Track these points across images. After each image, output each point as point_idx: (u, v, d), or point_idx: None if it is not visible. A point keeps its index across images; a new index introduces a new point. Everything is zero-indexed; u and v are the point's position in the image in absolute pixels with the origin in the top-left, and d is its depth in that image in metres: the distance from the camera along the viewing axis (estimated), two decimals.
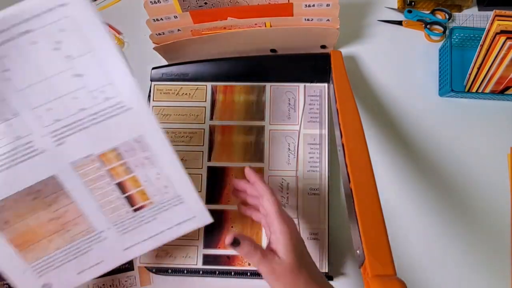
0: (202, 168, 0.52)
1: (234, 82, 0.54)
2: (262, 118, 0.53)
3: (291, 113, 0.53)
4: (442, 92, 0.55)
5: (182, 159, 0.52)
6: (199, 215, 0.39)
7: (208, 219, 0.40)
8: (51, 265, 0.38)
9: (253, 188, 0.41)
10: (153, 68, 0.56)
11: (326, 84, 0.53)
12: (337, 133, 0.44)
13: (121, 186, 0.37)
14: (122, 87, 0.33)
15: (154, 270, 0.51)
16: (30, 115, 0.33)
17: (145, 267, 0.51)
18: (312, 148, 0.52)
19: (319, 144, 0.52)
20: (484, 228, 0.52)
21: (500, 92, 0.52)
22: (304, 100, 0.53)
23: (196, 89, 0.54)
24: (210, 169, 0.52)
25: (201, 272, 0.50)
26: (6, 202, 0.34)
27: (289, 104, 0.53)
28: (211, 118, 0.54)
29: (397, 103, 0.56)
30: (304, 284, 0.35)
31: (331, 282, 0.49)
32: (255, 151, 0.52)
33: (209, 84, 0.54)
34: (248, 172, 0.41)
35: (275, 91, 0.54)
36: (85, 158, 0.35)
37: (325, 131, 0.52)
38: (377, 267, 0.33)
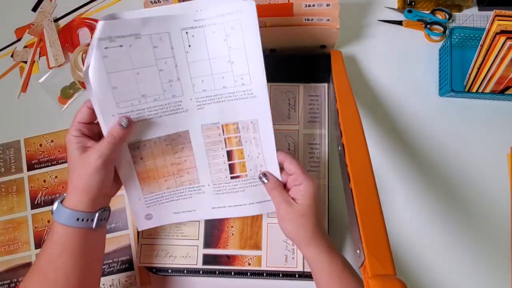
0: None
1: None
2: None
3: (291, 113, 0.53)
4: (442, 92, 0.55)
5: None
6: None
7: None
8: (159, 200, 0.46)
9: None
10: None
11: (326, 84, 0.53)
12: (337, 133, 0.44)
13: (229, 154, 0.45)
14: (255, 79, 0.42)
15: (154, 270, 0.51)
16: (188, 82, 0.42)
17: (145, 267, 0.51)
18: (312, 148, 0.52)
19: (319, 144, 0.52)
20: (484, 228, 0.52)
21: (500, 92, 0.52)
22: (304, 100, 0.53)
23: None
24: None
25: (201, 272, 0.50)
26: (147, 143, 0.43)
27: (289, 104, 0.53)
28: None
29: (397, 103, 0.56)
30: (312, 228, 0.40)
31: None
32: None
33: None
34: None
35: (275, 91, 0.54)
36: (213, 124, 0.44)
37: (325, 131, 0.52)
38: (377, 267, 0.33)
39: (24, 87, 0.61)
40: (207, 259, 0.50)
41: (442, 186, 0.53)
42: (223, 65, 0.41)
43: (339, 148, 0.43)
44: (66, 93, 0.60)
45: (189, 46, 0.41)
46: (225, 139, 0.45)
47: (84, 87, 0.60)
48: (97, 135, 0.41)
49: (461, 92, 0.52)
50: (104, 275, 0.53)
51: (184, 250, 0.50)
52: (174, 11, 0.39)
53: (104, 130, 0.40)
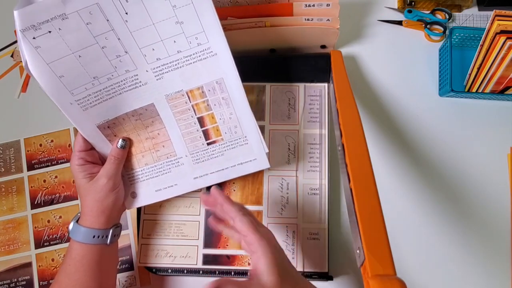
0: None
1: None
2: (262, 118, 0.53)
3: (291, 113, 0.53)
4: (442, 92, 0.55)
5: None
6: (259, 158, 0.44)
7: (266, 164, 0.44)
8: (139, 177, 0.46)
9: (221, 209, 0.41)
10: None
11: (326, 84, 0.53)
12: (337, 133, 0.44)
13: (200, 121, 0.44)
14: (212, 36, 0.39)
15: (154, 270, 0.51)
16: (137, 53, 0.39)
17: (145, 267, 0.51)
18: (312, 148, 0.52)
19: (319, 144, 0.52)
20: (484, 228, 0.52)
21: (500, 92, 0.52)
22: (304, 100, 0.53)
23: None
24: None
25: (201, 272, 0.50)
26: (116, 120, 0.42)
27: (289, 104, 0.53)
28: None
29: (397, 103, 0.56)
30: None
31: (331, 282, 0.49)
32: None
33: None
34: (215, 192, 0.41)
35: (275, 91, 0.54)
36: (177, 93, 0.42)
37: (325, 131, 0.52)
38: (377, 267, 0.33)
39: (24, 87, 0.61)
40: (207, 259, 0.50)
41: (442, 186, 0.53)
42: (171, 27, 0.38)
43: (339, 148, 0.43)
44: None
45: (126, 13, 0.36)
46: (192, 106, 0.43)
47: None
48: (99, 160, 0.44)
49: (461, 92, 0.52)
50: None
51: (184, 250, 0.50)
52: None
53: (72, 121, 0.40)
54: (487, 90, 0.51)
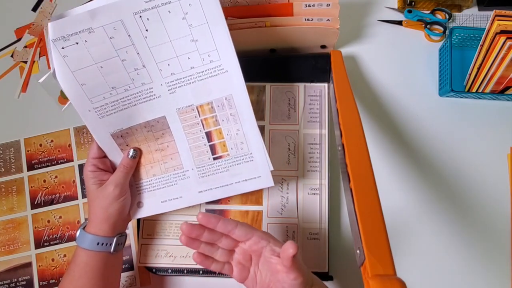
0: None
1: None
2: (262, 118, 0.53)
3: (291, 113, 0.53)
4: (442, 92, 0.55)
5: None
6: (264, 177, 0.44)
7: (270, 183, 0.44)
8: (147, 187, 0.46)
9: (214, 234, 0.39)
10: None
11: (326, 84, 0.53)
12: (337, 133, 0.44)
13: (208, 136, 0.45)
14: (223, 54, 0.41)
15: (154, 270, 0.51)
16: (154, 68, 0.41)
17: (145, 267, 0.51)
18: (312, 148, 0.52)
19: (319, 144, 0.52)
20: (484, 228, 0.52)
21: (500, 92, 0.52)
22: (304, 100, 0.53)
23: None
24: None
25: (201, 272, 0.50)
26: (129, 130, 0.44)
27: (289, 104, 0.53)
28: None
29: (397, 103, 0.56)
30: None
31: (331, 282, 0.49)
32: None
33: None
34: (204, 216, 0.39)
35: (275, 91, 0.54)
36: (187, 107, 0.43)
37: (325, 131, 0.52)
38: (377, 267, 0.33)
39: (24, 87, 0.61)
40: None
41: (442, 186, 0.53)
42: (187, 44, 0.40)
43: (339, 148, 0.43)
44: None
45: (146, 30, 0.39)
46: (201, 121, 0.44)
47: None
48: (110, 168, 0.46)
49: (461, 92, 0.52)
50: None
51: (184, 250, 0.50)
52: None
53: (88, 127, 0.43)
54: (487, 90, 0.51)
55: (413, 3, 0.59)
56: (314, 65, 0.54)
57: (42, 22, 0.62)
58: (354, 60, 0.58)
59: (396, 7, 0.60)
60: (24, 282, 0.54)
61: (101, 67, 0.40)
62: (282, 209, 0.50)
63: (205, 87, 0.42)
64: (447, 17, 0.58)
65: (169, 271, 0.50)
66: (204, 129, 0.44)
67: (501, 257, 0.51)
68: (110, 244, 0.43)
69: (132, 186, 0.46)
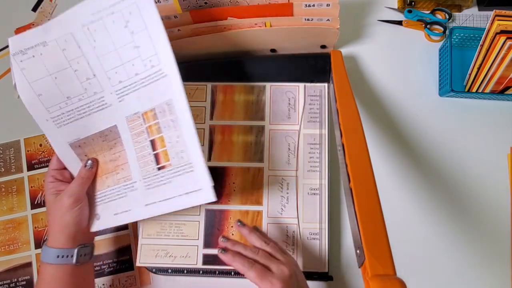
0: None
1: (234, 82, 0.54)
2: (262, 118, 0.53)
3: (291, 113, 0.53)
4: (442, 92, 0.55)
5: None
6: (204, 189, 0.41)
7: (211, 197, 0.41)
8: (103, 199, 0.46)
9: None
10: None
11: (326, 84, 0.53)
12: (337, 133, 0.44)
13: (152, 144, 0.43)
14: (163, 57, 0.41)
15: (154, 270, 0.51)
16: (103, 76, 0.42)
17: (145, 267, 0.51)
18: (312, 148, 0.52)
19: (319, 144, 0.52)
20: (484, 228, 0.52)
21: (500, 92, 0.52)
22: (304, 100, 0.53)
23: (196, 89, 0.54)
24: (210, 169, 0.52)
25: (201, 272, 0.50)
26: (86, 140, 0.45)
27: (289, 104, 0.53)
28: (211, 118, 0.54)
29: (397, 103, 0.56)
30: None
31: (331, 282, 0.49)
32: (255, 151, 0.52)
33: (209, 84, 0.54)
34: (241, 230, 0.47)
35: (275, 91, 0.54)
36: (134, 114, 0.43)
37: (325, 131, 0.52)
38: (377, 267, 0.33)
39: None
40: (207, 259, 0.50)
41: (442, 186, 0.53)
42: (130, 51, 0.41)
43: (339, 148, 0.43)
44: None
45: (94, 41, 0.41)
46: (147, 128, 0.43)
47: None
48: (69, 179, 0.45)
49: (461, 92, 0.52)
50: (104, 275, 0.53)
51: (184, 250, 0.50)
52: (70, 11, 0.42)
53: (47, 136, 0.44)
54: (487, 90, 0.51)
55: (413, 3, 0.59)
56: (314, 65, 0.54)
57: (42, 22, 0.62)
58: (354, 60, 0.58)
59: (396, 7, 0.60)
60: (24, 282, 0.54)
61: (56, 77, 0.42)
62: (282, 209, 0.50)
63: (148, 93, 0.42)
64: (447, 17, 0.58)
65: (169, 271, 0.50)
66: (149, 137, 0.43)
67: (501, 257, 0.51)
68: (71, 256, 0.42)
69: (91, 198, 0.46)
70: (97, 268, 0.53)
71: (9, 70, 0.63)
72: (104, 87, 0.43)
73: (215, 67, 0.55)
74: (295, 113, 0.53)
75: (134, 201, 0.44)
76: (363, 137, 0.41)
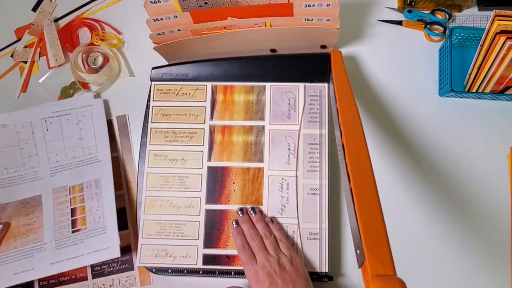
0: (202, 168, 0.52)
1: (234, 82, 0.54)
2: (262, 118, 0.53)
3: (291, 113, 0.53)
4: (442, 92, 0.55)
5: (182, 159, 0.52)
6: (112, 247, 0.50)
7: (117, 253, 0.49)
8: (5, 260, 0.50)
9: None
10: (153, 68, 0.56)
11: (326, 84, 0.53)
12: (337, 133, 0.44)
13: (72, 211, 0.52)
14: (100, 147, 0.53)
15: (154, 270, 0.51)
16: (45, 156, 0.53)
17: (145, 267, 0.51)
18: (312, 148, 0.52)
19: (319, 144, 0.52)
20: (484, 228, 0.52)
21: (500, 92, 0.52)
22: (304, 100, 0.53)
23: (196, 89, 0.54)
24: (210, 169, 0.52)
25: (201, 272, 0.50)
26: (5, 205, 0.52)
27: (289, 104, 0.53)
28: (211, 118, 0.54)
29: (397, 103, 0.56)
30: None
31: (331, 282, 0.49)
32: (255, 151, 0.52)
33: (209, 84, 0.54)
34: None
35: (275, 91, 0.54)
36: (62, 187, 0.52)
37: (325, 131, 0.52)
38: (377, 267, 0.33)
39: (24, 87, 0.61)
40: (207, 259, 0.50)
41: (442, 186, 0.53)
42: (75, 141, 0.53)
43: (339, 148, 0.43)
44: (66, 93, 0.60)
45: (47, 130, 0.53)
46: (70, 199, 0.52)
47: (84, 87, 0.60)
48: None
49: (461, 92, 0.52)
50: (104, 275, 0.53)
51: (184, 250, 0.50)
52: (37, 108, 0.54)
53: None
54: (487, 90, 0.51)
55: (413, 3, 0.59)
56: (314, 65, 0.54)
57: (42, 22, 0.62)
58: (354, 60, 0.58)
59: (396, 7, 0.60)
60: (24, 283, 0.54)
61: (1, 151, 0.52)
62: (282, 209, 0.50)
63: (81, 172, 0.52)
64: (447, 17, 0.58)
65: (169, 271, 0.50)
66: (70, 206, 0.52)
67: (501, 257, 0.51)
68: None
69: None
70: (97, 268, 0.53)
71: (9, 70, 0.63)
72: (41, 164, 0.52)
73: (215, 67, 0.55)
74: (295, 113, 0.53)
75: (39, 261, 0.50)
76: (363, 137, 0.41)
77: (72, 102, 0.56)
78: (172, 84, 0.55)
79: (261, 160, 0.52)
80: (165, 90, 0.55)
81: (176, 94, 0.54)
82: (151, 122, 0.54)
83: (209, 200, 0.51)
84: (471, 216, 0.52)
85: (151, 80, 0.56)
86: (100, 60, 0.60)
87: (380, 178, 0.38)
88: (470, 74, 0.52)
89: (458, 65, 0.55)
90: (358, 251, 0.36)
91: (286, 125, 0.53)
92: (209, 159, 0.52)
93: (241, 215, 0.49)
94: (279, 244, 0.47)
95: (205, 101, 0.54)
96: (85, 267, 0.53)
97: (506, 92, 0.52)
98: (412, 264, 0.51)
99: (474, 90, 0.52)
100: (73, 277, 0.53)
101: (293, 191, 0.51)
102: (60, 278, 0.53)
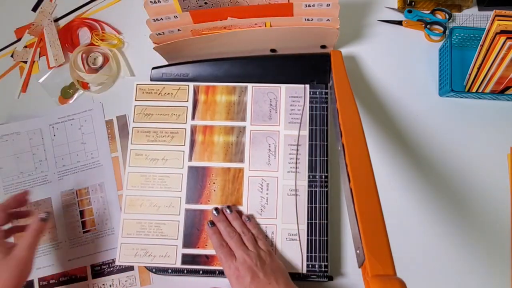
0: (183, 167, 0.52)
1: (234, 82, 0.54)
2: (244, 119, 0.53)
3: (272, 114, 0.53)
4: (442, 92, 0.55)
5: (163, 159, 0.52)
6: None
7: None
8: None
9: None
10: (153, 68, 0.56)
11: (307, 85, 0.53)
12: (337, 133, 0.44)
13: (81, 213, 0.55)
14: (102, 152, 0.57)
15: (154, 270, 0.51)
16: (52, 160, 0.57)
17: (145, 267, 0.51)
18: (292, 149, 0.51)
19: (299, 145, 0.51)
20: (484, 228, 0.52)
21: (500, 92, 0.52)
22: (286, 101, 0.53)
23: (179, 89, 0.54)
24: (191, 169, 0.52)
25: (201, 272, 0.50)
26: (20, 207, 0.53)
27: (271, 104, 0.53)
28: (193, 118, 0.53)
29: (397, 103, 0.56)
30: None
31: (331, 282, 0.49)
32: (236, 151, 0.52)
33: (191, 84, 0.54)
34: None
35: (257, 92, 0.53)
36: (69, 190, 0.56)
37: (306, 132, 0.52)
38: (377, 267, 0.33)
39: (24, 87, 0.61)
40: (186, 258, 0.49)
41: (442, 186, 0.53)
42: (78, 145, 0.57)
43: (339, 148, 0.43)
44: (66, 93, 0.60)
45: (54, 135, 0.57)
46: (78, 201, 0.55)
47: (84, 87, 0.60)
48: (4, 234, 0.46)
49: (461, 92, 0.52)
50: (104, 275, 0.53)
51: (163, 250, 0.50)
52: (45, 115, 0.58)
53: None
54: (487, 90, 0.51)
55: (413, 3, 0.59)
56: (314, 65, 0.54)
57: (42, 22, 0.62)
58: (354, 60, 0.58)
59: (396, 7, 0.60)
60: (24, 282, 0.54)
61: (18, 157, 0.57)
62: (261, 209, 0.50)
63: (85, 176, 0.56)
64: (447, 17, 0.58)
65: (169, 271, 0.50)
66: (79, 208, 0.55)
67: (501, 257, 0.51)
68: None
69: None
70: (97, 268, 0.53)
71: (9, 70, 0.63)
72: (50, 168, 0.56)
73: (215, 67, 0.55)
74: (276, 114, 0.53)
75: (57, 257, 0.54)
76: (363, 137, 0.41)
77: (74, 107, 0.58)
78: (155, 84, 0.55)
79: (241, 160, 0.52)
80: (147, 90, 0.54)
81: (159, 94, 0.54)
82: (133, 121, 0.54)
83: (189, 200, 0.51)
84: (471, 216, 0.52)
85: (151, 80, 0.56)
86: (100, 60, 0.60)
87: (380, 178, 0.38)
88: (470, 74, 0.52)
89: (458, 65, 0.55)
90: (358, 251, 0.36)
91: (267, 125, 0.52)
92: (190, 159, 0.52)
93: (216, 215, 0.49)
94: (257, 241, 0.47)
95: (187, 101, 0.54)
96: (85, 267, 0.53)
97: (506, 92, 0.52)
98: (412, 264, 0.51)
99: (474, 90, 0.52)
100: (73, 277, 0.53)
101: (273, 191, 0.50)
102: (60, 278, 0.53)
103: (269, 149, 0.52)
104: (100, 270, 0.53)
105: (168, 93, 0.54)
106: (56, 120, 0.58)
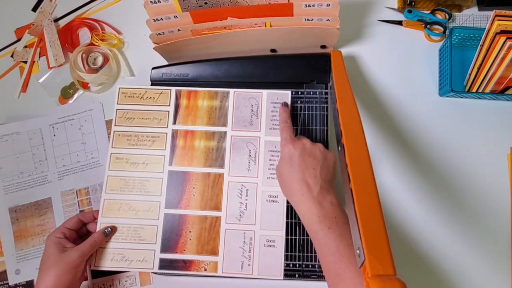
0: (163, 172, 0.52)
1: (234, 81, 0.54)
2: (225, 124, 0.53)
3: (254, 120, 0.53)
4: (442, 92, 0.55)
5: (143, 163, 0.52)
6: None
7: None
8: (26, 257, 0.55)
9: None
10: (153, 68, 0.56)
11: (289, 91, 0.53)
12: (337, 133, 0.44)
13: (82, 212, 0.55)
14: (102, 152, 0.57)
15: None
16: (53, 160, 0.57)
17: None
18: (273, 155, 0.51)
19: (280, 152, 0.51)
20: (484, 228, 0.52)
21: (500, 92, 0.52)
22: (267, 107, 0.53)
23: (161, 93, 0.54)
24: (171, 174, 0.52)
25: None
26: (22, 207, 0.56)
27: (252, 110, 0.53)
28: (174, 123, 0.53)
29: (397, 103, 0.56)
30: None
31: None
32: (216, 156, 0.52)
33: (173, 89, 0.54)
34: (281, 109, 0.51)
35: (238, 97, 0.53)
36: (69, 190, 0.56)
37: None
38: (377, 267, 0.33)
39: (24, 87, 0.61)
40: (164, 263, 0.49)
41: (442, 186, 0.53)
42: (78, 145, 0.57)
43: (339, 148, 0.43)
44: (66, 93, 0.60)
45: (54, 135, 0.57)
46: (78, 201, 0.56)
47: (84, 87, 0.60)
48: (74, 240, 0.49)
49: (461, 92, 0.52)
50: (104, 275, 0.53)
51: (140, 254, 0.49)
52: (45, 116, 0.58)
53: None
54: (487, 90, 0.51)
55: (413, 3, 0.59)
56: (314, 65, 0.54)
57: (42, 22, 0.62)
58: (354, 60, 0.58)
59: (396, 7, 0.60)
60: (24, 282, 0.54)
61: (18, 157, 0.57)
62: (240, 215, 0.50)
63: (85, 176, 0.56)
64: (447, 17, 0.58)
65: (169, 271, 0.50)
66: (79, 208, 0.55)
67: (501, 256, 0.51)
68: None
69: (13, 256, 0.54)
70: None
71: (9, 70, 0.63)
72: (50, 168, 0.56)
73: (215, 67, 0.55)
74: (258, 120, 0.52)
75: None
76: (363, 137, 0.41)
77: (74, 107, 0.59)
78: (137, 88, 0.54)
79: (221, 166, 0.51)
80: (129, 94, 0.54)
81: (141, 98, 0.54)
82: (115, 125, 0.53)
83: (169, 204, 0.51)
84: (471, 216, 0.52)
85: (151, 80, 0.56)
86: (100, 60, 0.60)
87: (380, 178, 0.38)
88: (470, 74, 0.52)
89: (458, 65, 0.55)
90: (358, 251, 0.36)
91: (248, 131, 0.52)
92: (171, 163, 0.52)
93: (284, 105, 0.51)
94: None
95: (169, 105, 0.54)
96: (85, 266, 0.53)
97: (506, 92, 0.52)
98: (412, 264, 0.51)
99: (474, 90, 0.52)
100: None
101: (252, 197, 0.50)
102: None
103: (250, 155, 0.51)
104: (100, 270, 0.53)
105: (150, 97, 0.54)
106: (56, 120, 0.58)
